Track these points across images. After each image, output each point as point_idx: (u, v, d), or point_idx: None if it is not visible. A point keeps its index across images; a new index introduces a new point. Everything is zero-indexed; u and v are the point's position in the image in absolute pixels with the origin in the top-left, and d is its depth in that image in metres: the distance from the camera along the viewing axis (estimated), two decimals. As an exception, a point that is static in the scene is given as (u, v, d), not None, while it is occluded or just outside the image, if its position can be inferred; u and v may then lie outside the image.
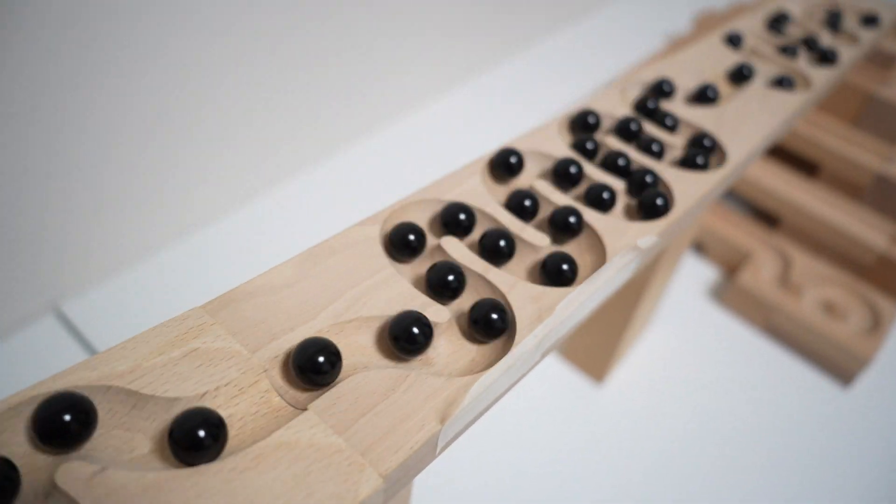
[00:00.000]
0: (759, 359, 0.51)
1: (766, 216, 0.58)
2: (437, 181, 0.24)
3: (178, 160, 0.49)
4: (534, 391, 0.47)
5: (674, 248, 0.40)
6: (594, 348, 0.46)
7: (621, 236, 0.23)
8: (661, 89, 0.32)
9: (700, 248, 0.57)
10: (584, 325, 0.46)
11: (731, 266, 0.55)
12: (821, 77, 0.37)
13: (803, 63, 0.39)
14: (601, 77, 0.75)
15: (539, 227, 0.24)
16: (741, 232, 0.55)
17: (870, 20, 0.46)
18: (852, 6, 0.48)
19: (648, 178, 0.26)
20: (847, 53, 0.41)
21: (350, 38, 0.57)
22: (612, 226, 0.24)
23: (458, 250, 0.22)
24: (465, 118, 0.68)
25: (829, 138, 0.54)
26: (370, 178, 0.60)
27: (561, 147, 0.27)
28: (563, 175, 0.26)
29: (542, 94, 0.74)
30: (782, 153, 0.57)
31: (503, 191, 0.25)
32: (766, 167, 0.56)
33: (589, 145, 0.28)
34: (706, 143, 0.29)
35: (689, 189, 0.27)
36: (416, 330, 0.18)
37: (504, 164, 0.25)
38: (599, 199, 0.25)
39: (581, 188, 0.26)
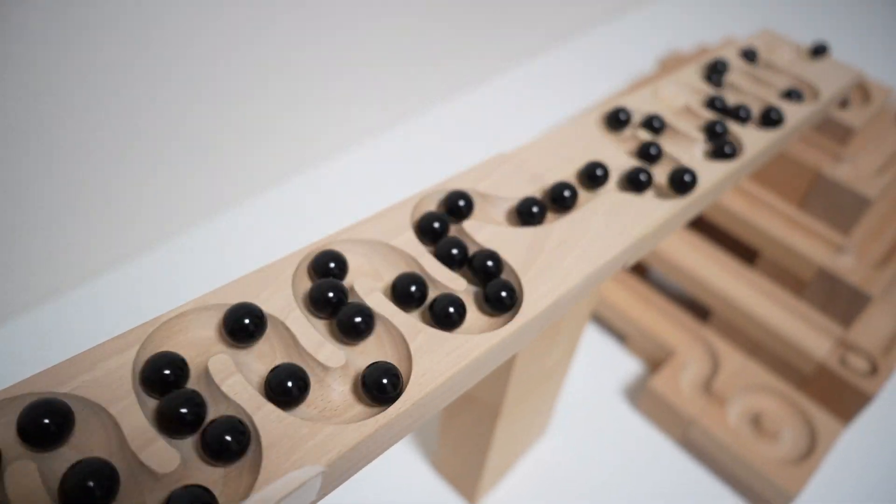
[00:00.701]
0: (673, 478, 0.43)
1: (698, 306, 0.51)
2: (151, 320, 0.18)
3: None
4: (394, 513, 0.40)
5: (535, 355, 0.33)
6: (463, 465, 0.40)
7: (297, 447, 0.17)
8: (456, 206, 0.25)
9: (622, 338, 0.50)
10: (450, 437, 0.39)
11: (655, 362, 0.48)
12: (713, 172, 0.31)
13: (696, 152, 0.32)
14: (563, 112, 0.68)
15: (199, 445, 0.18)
16: (668, 323, 0.48)
17: (792, 94, 0.39)
18: (776, 70, 0.40)
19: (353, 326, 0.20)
20: (758, 141, 0.34)
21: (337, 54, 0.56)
22: (290, 430, 0.18)
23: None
24: (413, 152, 0.63)
25: (770, 222, 0.46)
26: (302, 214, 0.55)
27: (280, 297, 0.21)
28: (239, 334, 0.20)
29: (497, 130, 0.68)
30: (716, 234, 0.50)
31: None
32: (695, 249, 0.48)
33: (331, 294, 0.21)
34: (492, 288, 0.23)
35: (440, 363, 0.20)
36: None
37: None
38: (283, 389, 0.18)
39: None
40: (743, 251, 0.49)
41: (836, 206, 0.45)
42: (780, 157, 0.46)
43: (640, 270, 0.52)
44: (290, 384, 0.18)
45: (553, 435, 0.45)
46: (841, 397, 0.43)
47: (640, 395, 0.46)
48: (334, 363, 0.20)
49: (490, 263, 0.23)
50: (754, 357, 0.46)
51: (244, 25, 0.49)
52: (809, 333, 0.44)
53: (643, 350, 0.49)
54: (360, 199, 0.58)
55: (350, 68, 0.59)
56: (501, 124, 0.69)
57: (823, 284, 0.45)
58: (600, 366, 0.49)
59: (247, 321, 0.19)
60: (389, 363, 0.20)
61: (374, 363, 0.19)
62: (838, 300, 0.44)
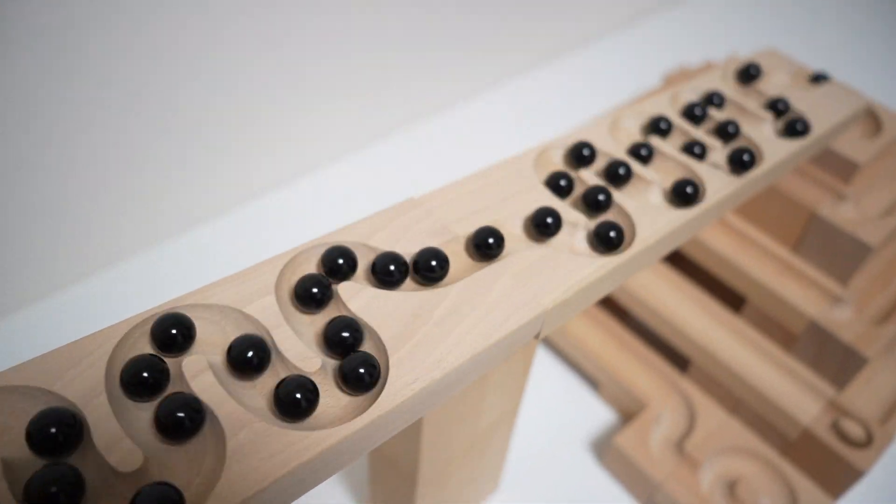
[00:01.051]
0: (636, 547, 0.39)
1: (681, 354, 0.46)
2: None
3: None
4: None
5: (455, 422, 0.29)
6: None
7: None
8: (336, 265, 0.22)
9: (595, 385, 0.46)
10: (378, 493, 0.36)
11: (628, 413, 0.44)
12: (662, 222, 0.27)
13: (652, 198, 0.28)
14: (562, 127, 0.64)
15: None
16: (644, 371, 0.44)
17: (782, 127, 0.34)
18: (768, 97, 0.36)
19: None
20: (725, 186, 0.29)
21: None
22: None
23: None
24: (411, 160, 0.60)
25: (759, 266, 0.42)
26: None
27: (87, 378, 0.18)
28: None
29: (491, 148, 0.64)
30: (698, 274, 0.45)
31: None
32: (675, 291, 0.44)
33: (145, 375, 0.18)
34: (351, 367, 0.19)
35: (257, 469, 0.17)
36: None
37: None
38: (44, 497, 0.16)
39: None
40: (728, 296, 0.45)
41: (834, 252, 0.40)
42: (773, 194, 0.42)
43: (619, 311, 0.48)
44: (53, 490, 0.16)
45: (507, 489, 0.41)
46: (829, 468, 0.38)
47: (606, 452, 0.42)
48: (127, 467, 0.17)
49: (346, 335, 0.20)
50: (735, 415, 0.42)
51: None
52: (797, 393, 0.40)
53: (616, 399, 0.45)
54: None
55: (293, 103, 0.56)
56: (494, 143, 0.65)
57: (815, 339, 0.40)
58: (568, 414, 0.45)
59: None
60: (166, 489, 0.16)
61: (146, 486, 0.16)
62: (831, 358, 0.40)
